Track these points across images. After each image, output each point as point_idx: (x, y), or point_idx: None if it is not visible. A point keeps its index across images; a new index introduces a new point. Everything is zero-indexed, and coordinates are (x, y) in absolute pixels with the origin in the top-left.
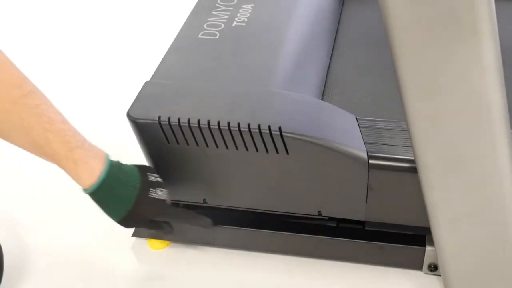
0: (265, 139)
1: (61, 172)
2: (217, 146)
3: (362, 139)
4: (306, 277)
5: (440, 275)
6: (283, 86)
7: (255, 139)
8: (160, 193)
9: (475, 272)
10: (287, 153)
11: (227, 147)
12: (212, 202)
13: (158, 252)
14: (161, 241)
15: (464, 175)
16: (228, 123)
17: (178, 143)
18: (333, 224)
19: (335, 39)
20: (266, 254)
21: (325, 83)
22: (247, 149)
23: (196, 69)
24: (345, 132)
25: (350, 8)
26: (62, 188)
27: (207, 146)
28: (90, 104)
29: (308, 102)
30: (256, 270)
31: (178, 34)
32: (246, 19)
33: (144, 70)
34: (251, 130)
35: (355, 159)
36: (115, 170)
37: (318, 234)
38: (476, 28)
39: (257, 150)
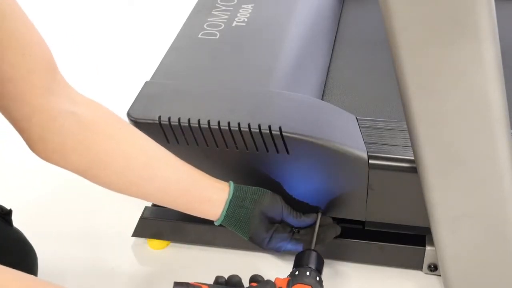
0: (265, 139)
1: (60, 174)
2: (217, 146)
3: (362, 139)
4: None
5: (440, 275)
6: (283, 86)
7: (255, 139)
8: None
9: (475, 272)
10: (287, 152)
11: (227, 147)
12: None
13: (158, 252)
14: (161, 241)
15: (464, 175)
16: (228, 123)
17: (178, 143)
18: None
19: (335, 39)
20: (266, 254)
21: (325, 83)
22: (247, 149)
23: (196, 69)
24: (345, 132)
25: (350, 8)
26: (62, 189)
27: (207, 146)
28: None
29: (308, 102)
30: (256, 270)
31: (178, 34)
32: (246, 19)
33: (144, 70)
34: (251, 130)
35: (355, 159)
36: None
37: None
38: (476, 28)
39: (257, 150)
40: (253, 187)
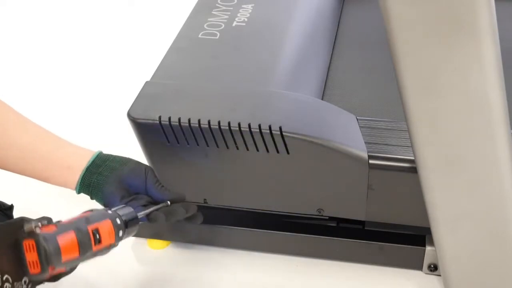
0: (265, 139)
1: None
2: (217, 146)
3: (362, 139)
4: (306, 277)
5: (440, 275)
6: (283, 86)
7: (255, 139)
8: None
9: (475, 272)
10: (288, 152)
11: (227, 147)
12: (212, 201)
13: (158, 252)
14: (161, 241)
15: (464, 175)
16: (229, 123)
17: (178, 142)
18: (333, 224)
19: (335, 39)
20: (266, 254)
21: (325, 83)
22: (247, 149)
23: (196, 69)
24: (346, 132)
25: (350, 8)
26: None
27: (208, 145)
28: (91, 104)
29: (309, 102)
30: (256, 270)
31: (178, 34)
32: (246, 19)
33: (144, 70)
34: (252, 129)
35: (356, 159)
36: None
37: (318, 234)
38: (476, 28)
39: (257, 150)
40: (119, 156)
